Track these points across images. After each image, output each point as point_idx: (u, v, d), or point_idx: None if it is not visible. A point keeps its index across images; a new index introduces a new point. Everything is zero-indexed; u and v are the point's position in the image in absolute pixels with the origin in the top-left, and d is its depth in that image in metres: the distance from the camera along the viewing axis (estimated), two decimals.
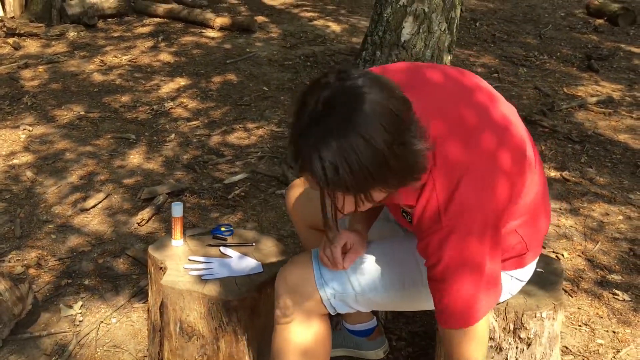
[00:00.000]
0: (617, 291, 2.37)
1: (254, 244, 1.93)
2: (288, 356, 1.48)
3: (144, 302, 2.28)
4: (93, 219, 2.84)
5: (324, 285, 1.47)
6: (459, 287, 1.27)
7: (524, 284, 1.57)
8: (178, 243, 1.90)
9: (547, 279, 1.64)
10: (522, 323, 1.52)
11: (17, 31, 5.35)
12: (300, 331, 1.47)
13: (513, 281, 1.52)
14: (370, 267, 1.49)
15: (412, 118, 1.16)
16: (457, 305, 1.29)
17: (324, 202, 1.18)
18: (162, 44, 5.25)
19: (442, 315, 1.33)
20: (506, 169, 1.25)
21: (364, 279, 1.48)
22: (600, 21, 6.24)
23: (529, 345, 1.53)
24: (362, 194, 1.16)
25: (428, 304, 1.50)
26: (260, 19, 5.94)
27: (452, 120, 1.26)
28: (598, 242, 2.70)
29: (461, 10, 3.27)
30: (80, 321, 2.20)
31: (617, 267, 2.54)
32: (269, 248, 1.92)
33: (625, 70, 4.90)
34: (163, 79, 4.55)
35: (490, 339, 1.54)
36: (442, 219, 1.23)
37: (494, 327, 1.53)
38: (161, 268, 1.81)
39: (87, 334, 2.14)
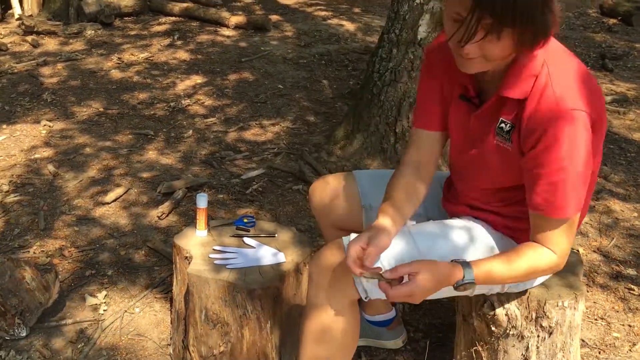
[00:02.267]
0: (632, 286, 2.39)
1: (276, 234, 1.97)
2: (319, 341, 1.52)
3: (165, 293, 2.33)
4: (114, 212, 2.89)
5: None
6: (568, 176, 1.32)
7: (549, 276, 1.61)
8: (202, 233, 1.94)
9: (567, 270, 1.66)
10: (544, 312, 1.55)
11: (36, 29, 5.43)
12: (332, 317, 1.50)
13: None
14: (399, 245, 1.51)
15: None
16: (566, 194, 1.34)
17: (459, 26, 1.26)
18: (178, 42, 5.31)
19: (549, 204, 1.35)
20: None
21: (394, 258, 1.49)
22: (614, 21, 6.24)
23: (550, 334, 1.56)
24: (498, 28, 1.23)
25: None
26: (274, 17, 5.99)
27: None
28: (613, 238, 2.72)
29: None
30: (104, 310, 2.25)
31: (632, 262, 2.56)
32: (290, 239, 1.96)
33: (639, 69, 4.90)
34: (180, 76, 4.60)
35: (512, 327, 1.57)
36: (560, 106, 1.30)
37: (516, 316, 1.56)
38: (186, 257, 1.86)
39: (112, 322, 2.19)
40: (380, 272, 1.37)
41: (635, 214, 2.91)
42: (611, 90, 4.47)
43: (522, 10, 1.21)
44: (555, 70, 1.34)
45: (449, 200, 1.70)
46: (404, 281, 1.37)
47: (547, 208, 1.36)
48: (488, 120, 1.45)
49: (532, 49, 1.31)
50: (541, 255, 1.40)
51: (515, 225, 1.54)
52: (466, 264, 1.38)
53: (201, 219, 1.93)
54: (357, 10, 6.45)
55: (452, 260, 1.41)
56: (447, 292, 1.47)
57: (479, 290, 1.55)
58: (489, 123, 1.45)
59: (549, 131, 1.30)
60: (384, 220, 1.48)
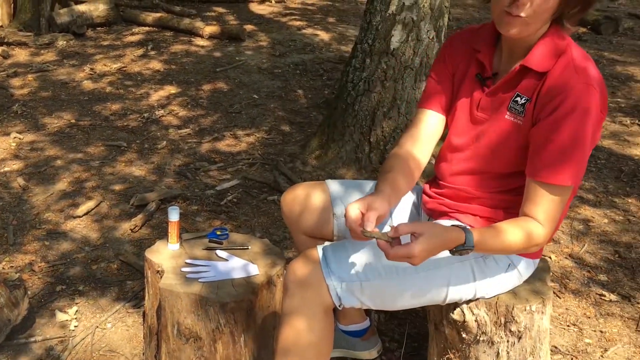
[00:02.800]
0: (603, 292, 2.42)
1: (249, 247, 1.96)
2: (293, 350, 1.51)
3: (138, 307, 2.30)
4: (85, 226, 2.85)
5: (331, 274, 1.50)
6: (577, 145, 1.38)
7: (521, 281, 1.63)
8: (174, 247, 1.92)
9: (534, 275, 1.68)
10: (512, 316, 1.56)
11: (6, 40, 5.35)
12: (306, 326, 1.50)
13: (515, 275, 1.60)
14: (373, 252, 1.52)
15: None
16: (572, 162, 1.38)
17: None
18: (152, 52, 5.28)
19: (553, 168, 1.39)
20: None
21: (368, 265, 1.51)
22: (584, 29, 6.36)
23: (519, 338, 1.58)
24: None
25: (430, 293, 1.55)
26: (249, 27, 5.99)
27: None
28: (584, 244, 2.75)
29: (448, 18, 3.33)
30: (75, 326, 2.21)
31: (603, 268, 2.59)
32: (263, 251, 1.95)
33: (608, 77, 4.99)
34: (153, 87, 4.57)
35: (482, 333, 1.58)
36: (582, 79, 1.38)
37: (485, 321, 1.57)
38: (158, 271, 1.83)
39: (83, 339, 2.15)
40: (383, 231, 1.36)
41: (606, 220, 2.96)
42: None
43: None
44: (577, 55, 1.43)
45: (432, 197, 1.71)
46: (404, 242, 1.35)
47: (550, 174, 1.39)
48: (502, 95, 1.50)
49: (572, 18, 1.42)
50: (532, 227, 1.42)
51: (493, 217, 1.56)
52: (467, 230, 1.39)
53: (173, 232, 1.91)
54: (331, 20, 6.48)
55: (452, 225, 1.43)
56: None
57: (453, 294, 1.55)
58: (502, 99, 1.50)
59: (571, 97, 1.37)
60: (383, 188, 1.51)
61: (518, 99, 1.47)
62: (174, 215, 1.90)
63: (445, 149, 1.69)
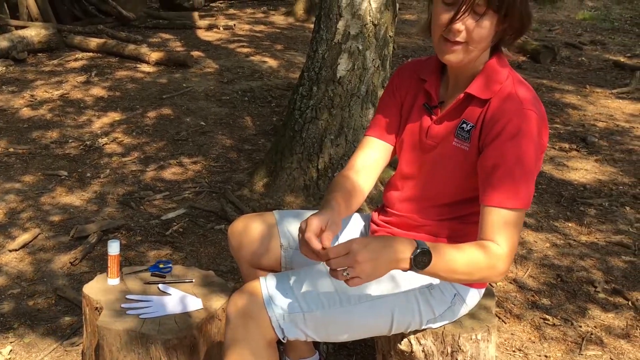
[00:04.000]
0: (547, 316, 2.47)
1: (193, 280, 1.90)
2: None
3: (77, 345, 2.20)
4: (21, 259, 2.72)
5: (272, 305, 1.47)
6: (524, 168, 1.40)
7: (467, 310, 1.64)
8: (114, 282, 1.85)
9: (480, 303, 1.70)
10: (459, 346, 1.57)
11: None
12: (249, 359, 1.46)
13: (461, 305, 1.60)
14: (316, 283, 1.51)
15: None
16: (521, 185, 1.40)
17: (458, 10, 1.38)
18: (96, 79, 5.17)
19: (504, 193, 1.40)
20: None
21: (310, 295, 1.49)
22: (523, 58, 6.60)
23: None
24: (486, 10, 1.38)
25: (375, 324, 1.53)
26: (196, 54, 5.95)
27: None
28: (528, 269, 2.81)
29: (393, 47, 3.39)
30: None
31: (546, 292, 2.64)
32: (208, 283, 1.90)
33: (547, 104, 5.18)
34: (96, 113, 4.46)
35: None
36: (524, 105, 1.42)
37: (432, 351, 1.57)
38: (97, 308, 1.76)
39: None
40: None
41: (548, 244, 3.03)
42: None
43: None
44: (518, 82, 1.49)
45: (380, 225, 1.70)
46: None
47: (502, 198, 1.40)
48: (449, 123, 1.53)
49: (509, 44, 1.48)
50: (494, 251, 1.38)
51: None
52: (418, 240, 1.34)
53: (113, 266, 1.84)
54: (279, 47, 6.51)
55: None
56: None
57: (398, 324, 1.54)
58: (449, 126, 1.53)
59: (514, 122, 1.41)
60: (334, 207, 1.49)
61: (464, 125, 1.50)
62: (113, 248, 1.84)
63: (394, 177, 1.71)
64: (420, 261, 1.31)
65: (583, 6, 9.89)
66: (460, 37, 1.41)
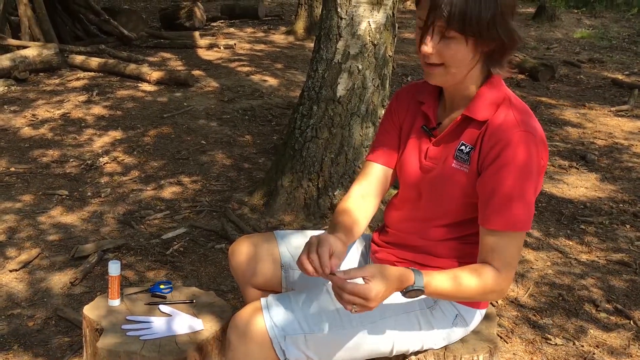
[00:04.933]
0: (548, 335, 2.46)
1: (194, 300, 1.90)
2: None
3: None
4: (22, 279, 2.72)
5: (274, 327, 1.47)
6: (522, 192, 1.41)
7: (469, 331, 1.63)
8: (115, 303, 1.85)
9: (482, 323, 1.69)
10: None
11: None
12: None
13: (463, 325, 1.59)
14: (318, 304, 1.51)
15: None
16: (519, 208, 1.40)
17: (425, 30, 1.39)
18: (97, 98, 5.20)
19: (502, 217, 1.41)
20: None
21: (312, 316, 1.49)
22: (522, 76, 6.64)
23: None
24: (449, 31, 1.37)
25: (376, 346, 1.53)
26: (197, 73, 5.99)
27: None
28: (529, 288, 2.80)
29: (393, 66, 3.42)
30: None
31: (548, 311, 2.64)
32: (209, 304, 1.90)
33: (546, 122, 5.20)
34: (97, 132, 4.48)
35: None
36: (521, 127, 1.41)
37: None
38: (97, 330, 1.75)
39: None
40: (334, 273, 1.37)
41: (549, 263, 3.02)
42: None
43: (470, 18, 1.35)
44: (516, 104, 1.48)
45: (381, 246, 1.71)
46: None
47: (501, 221, 1.42)
48: (447, 144, 1.53)
49: (498, 61, 1.45)
50: (489, 274, 1.43)
51: (440, 266, 1.56)
52: (416, 271, 1.41)
53: (113, 287, 1.84)
54: (279, 66, 6.56)
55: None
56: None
57: (399, 345, 1.54)
58: (448, 148, 1.53)
59: (511, 145, 1.41)
60: (339, 234, 1.53)
61: (463, 147, 1.50)
62: (114, 269, 1.84)
63: (395, 198, 1.72)
64: (412, 296, 1.41)
65: (581, 24, 9.97)
66: (435, 60, 1.42)
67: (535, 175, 1.43)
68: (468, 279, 1.43)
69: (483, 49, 1.42)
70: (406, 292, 1.40)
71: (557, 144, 4.72)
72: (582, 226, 3.41)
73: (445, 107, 1.58)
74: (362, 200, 1.67)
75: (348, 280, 1.34)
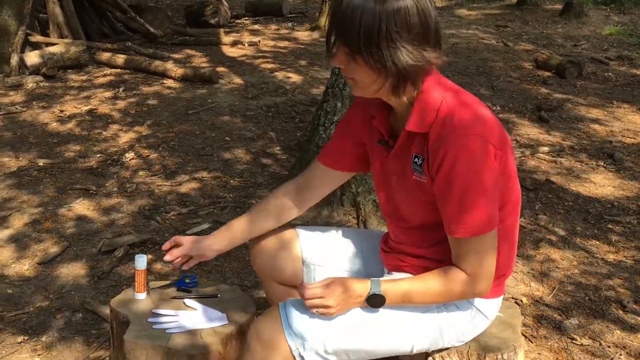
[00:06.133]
0: (574, 335, 2.43)
1: (218, 295, 1.92)
2: None
3: (104, 359, 2.22)
4: (50, 273, 2.77)
5: (292, 334, 1.47)
6: (474, 194, 1.39)
7: (489, 322, 1.62)
8: (141, 296, 1.87)
9: (506, 322, 1.68)
10: None
11: None
12: None
13: (481, 318, 1.59)
14: None
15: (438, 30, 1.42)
16: (474, 211, 1.40)
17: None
18: (123, 94, 5.26)
19: (458, 222, 1.41)
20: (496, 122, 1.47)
21: (331, 322, 1.48)
22: (548, 73, 6.55)
23: None
24: (346, 51, 1.38)
25: (396, 348, 1.53)
26: (221, 69, 6.02)
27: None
28: (554, 287, 2.77)
29: None
30: None
31: (574, 311, 2.60)
32: (234, 299, 1.91)
33: (573, 120, 5.13)
34: (123, 128, 4.54)
35: None
36: (460, 130, 1.38)
37: None
38: (124, 322, 1.78)
39: None
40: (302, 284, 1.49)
41: (575, 263, 2.99)
42: (547, 140, 4.65)
43: (364, 40, 1.35)
44: (453, 104, 1.44)
45: (385, 251, 1.73)
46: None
47: (459, 228, 1.42)
48: (403, 158, 1.52)
49: (412, 82, 1.41)
50: (454, 276, 1.46)
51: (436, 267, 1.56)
52: (374, 280, 1.47)
53: (140, 280, 1.86)
54: (303, 62, 6.56)
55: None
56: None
57: (419, 345, 1.54)
58: (405, 161, 1.52)
59: (450, 151, 1.39)
60: (232, 232, 1.81)
61: (416, 159, 1.49)
62: (140, 263, 1.86)
63: (382, 214, 1.74)
64: (374, 302, 1.47)
65: (609, 21, 9.80)
66: (346, 73, 1.44)
67: (488, 175, 1.39)
68: (432, 281, 1.47)
69: (380, 69, 1.38)
70: (368, 299, 1.46)
71: (584, 142, 4.65)
72: (609, 225, 3.36)
73: (397, 117, 1.55)
74: (295, 194, 1.77)
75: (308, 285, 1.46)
